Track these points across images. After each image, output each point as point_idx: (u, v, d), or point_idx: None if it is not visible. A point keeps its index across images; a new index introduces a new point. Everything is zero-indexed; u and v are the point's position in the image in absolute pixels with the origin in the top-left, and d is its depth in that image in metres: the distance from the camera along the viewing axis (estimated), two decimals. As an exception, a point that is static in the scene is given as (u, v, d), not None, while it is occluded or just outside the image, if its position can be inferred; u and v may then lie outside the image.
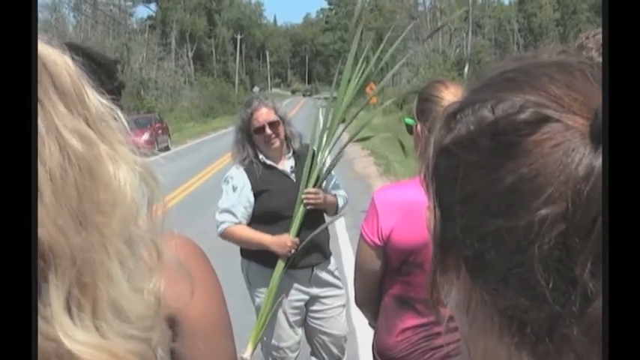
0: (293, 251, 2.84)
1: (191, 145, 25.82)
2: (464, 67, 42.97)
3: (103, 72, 1.27)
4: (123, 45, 46.43)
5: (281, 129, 2.95)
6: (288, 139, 3.02)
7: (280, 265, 2.87)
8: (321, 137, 2.93)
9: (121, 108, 0.62)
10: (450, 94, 1.82)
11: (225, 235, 2.90)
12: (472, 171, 0.42)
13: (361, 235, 1.88)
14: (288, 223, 2.85)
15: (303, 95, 75.70)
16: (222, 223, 2.89)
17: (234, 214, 2.87)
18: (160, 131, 22.62)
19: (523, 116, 0.41)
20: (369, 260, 1.87)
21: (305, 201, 2.88)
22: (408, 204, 1.80)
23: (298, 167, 3.02)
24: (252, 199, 2.89)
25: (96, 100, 0.58)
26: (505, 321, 0.42)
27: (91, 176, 0.53)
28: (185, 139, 28.02)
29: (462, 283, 0.45)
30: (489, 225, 0.41)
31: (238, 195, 2.88)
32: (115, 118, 0.59)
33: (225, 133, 30.22)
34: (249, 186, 2.89)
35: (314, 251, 2.95)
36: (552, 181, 0.39)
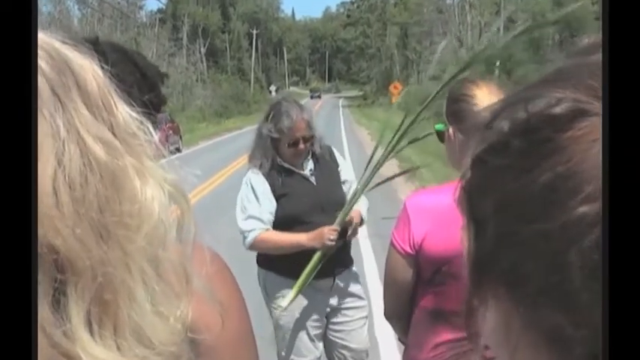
0: (335, 242, 2.81)
1: (204, 146, 26.03)
2: (494, 64, 42.83)
3: (146, 84, 1.27)
4: (131, 40, 46.79)
5: (311, 142, 2.99)
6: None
7: (318, 254, 2.84)
8: (366, 179, 2.88)
9: (156, 124, 0.63)
10: (483, 93, 1.81)
11: (256, 243, 2.87)
12: (505, 176, 0.42)
13: (391, 242, 1.89)
14: (309, 228, 2.86)
15: (311, 97, 73.86)
16: (250, 231, 2.86)
17: (261, 220, 2.87)
18: (170, 132, 22.76)
19: (558, 110, 0.40)
20: (400, 269, 1.87)
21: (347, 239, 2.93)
22: (441, 211, 1.79)
23: (318, 169, 3.04)
24: (275, 204, 2.91)
25: (125, 111, 0.58)
26: (549, 343, 0.41)
27: (114, 187, 0.53)
28: (197, 141, 28.26)
29: (499, 303, 0.44)
30: (525, 231, 0.41)
31: (262, 200, 2.89)
32: (146, 133, 0.60)
33: (240, 135, 30.43)
34: (269, 191, 2.91)
35: (335, 260, 2.95)
36: (590, 178, 0.38)
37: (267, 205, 2.89)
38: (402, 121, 2.59)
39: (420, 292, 1.89)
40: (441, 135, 1.96)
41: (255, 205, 2.89)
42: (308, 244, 2.81)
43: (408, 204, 1.86)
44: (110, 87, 0.58)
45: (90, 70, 0.56)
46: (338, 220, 2.84)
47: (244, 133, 30.42)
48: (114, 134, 0.55)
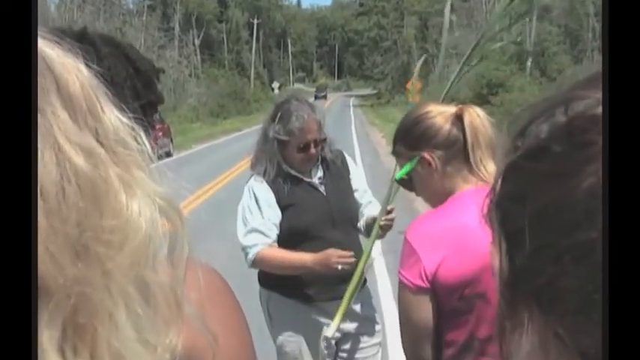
0: (346, 266, 2.76)
1: (197, 150, 26.11)
2: (526, 59, 42.74)
3: (141, 80, 1.29)
4: (116, 30, 46.82)
5: (322, 145, 3.03)
6: None
7: (359, 269, 2.83)
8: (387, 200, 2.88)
9: (150, 128, 0.65)
10: (435, 108, 1.96)
11: (259, 261, 2.86)
12: (544, 183, 0.43)
13: (400, 282, 1.87)
14: (319, 244, 2.86)
15: (315, 98, 72.11)
16: (252, 246, 2.85)
17: (265, 234, 2.87)
18: (160, 134, 22.77)
19: (600, 111, 0.41)
20: (416, 308, 1.84)
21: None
22: (451, 233, 1.80)
23: (328, 177, 3.06)
24: (280, 215, 2.93)
25: (113, 115, 0.59)
26: None
27: (95, 200, 0.53)
28: (190, 144, 28.36)
29: (535, 324, 0.45)
30: (565, 242, 0.41)
31: (266, 212, 2.90)
32: (137, 141, 0.60)
33: (239, 137, 30.56)
34: (275, 201, 2.93)
35: (346, 280, 2.97)
36: None
37: (271, 217, 2.90)
38: None
39: (445, 326, 1.86)
40: (405, 181, 2.02)
41: (258, 217, 2.89)
42: (313, 267, 2.80)
43: (411, 236, 1.86)
44: (98, 88, 0.58)
45: (73, 69, 0.56)
46: (367, 251, 2.85)
47: (243, 136, 30.61)
48: (99, 142, 0.55)
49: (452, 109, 1.95)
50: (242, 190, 3.01)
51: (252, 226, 2.89)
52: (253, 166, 3.04)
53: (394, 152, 2.07)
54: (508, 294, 0.46)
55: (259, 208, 2.90)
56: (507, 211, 0.46)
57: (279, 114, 2.94)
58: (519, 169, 0.45)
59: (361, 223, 3.14)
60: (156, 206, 0.58)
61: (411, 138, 1.98)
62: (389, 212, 2.86)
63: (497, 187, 0.48)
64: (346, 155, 3.25)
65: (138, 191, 0.57)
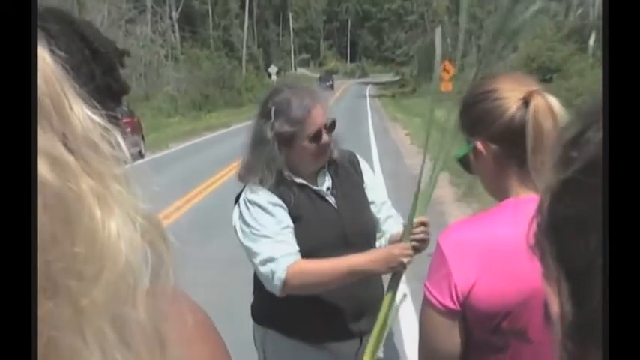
0: (407, 264, 2.78)
1: (176, 151, 26.21)
2: (588, 36, 42.49)
3: (100, 65, 1.29)
4: (72, 0, 46.91)
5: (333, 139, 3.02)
6: None
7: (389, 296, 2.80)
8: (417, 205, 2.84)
9: (118, 124, 0.65)
10: (507, 86, 1.89)
11: (293, 277, 2.78)
12: None
13: (425, 298, 1.88)
14: None
15: (319, 79, 69.11)
16: (279, 260, 2.80)
17: (288, 242, 2.85)
18: (128, 130, 22.84)
19: None
20: (441, 334, 1.86)
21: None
22: (490, 247, 1.81)
23: (338, 185, 3.07)
24: (292, 224, 2.93)
25: (84, 115, 0.58)
26: None
27: (64, 221, 0.52)
28: (167, 142, 28.48)
29: None
30: None
31: (279, 215, 2.90)
32: (112, 145, 0.61)
33: (227, 135, 30.62)
34: (283, 204, 2.93)
35: (363, 314, 2.96)
36: None
37: (287, 221, 2.90)
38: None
39: None
40: (466, 162, 2.02)
41: (272, 223, 2.87)
42: (370, 267, 2.78)
43: (444, 243, 1.87)
44: (65, 81, 0.58)
45: (38, 59, 0.55)
46: (404, 236, 2.80)
47: (232, 133, 30.53)
48: (67, 148, 0.55)
49: (527, 88, 1.88)
50: (231, 201, 3.01)
51: (267, 236, 2.85)
52: (244, 175, 3.01)
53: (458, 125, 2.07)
54: (574, 346, 0.46)
55: (268, 212, 2.89)
56: (565, 243, 0.45)
57: (272, 108, 2.93)
58: (577, 188, 0.44)
59: (382, 244, 3.14)
60: (137, 227, 0.58)
61: (466, 119, 1.98)
62: (422, 225, 2.77)
63: (546, 209, 0.47)
64: (360, 158, 3.25)
65: (115, 208, 0.56)
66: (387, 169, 15.56)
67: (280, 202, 2.91)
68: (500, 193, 1.96)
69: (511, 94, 1.87)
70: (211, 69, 57.69)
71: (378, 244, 3.15)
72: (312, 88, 3.07)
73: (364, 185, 3.17)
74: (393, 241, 3.04)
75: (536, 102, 1.84)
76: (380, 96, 66.97)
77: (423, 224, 2.76)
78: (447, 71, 34.98)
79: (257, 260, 2.82)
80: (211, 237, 9.59)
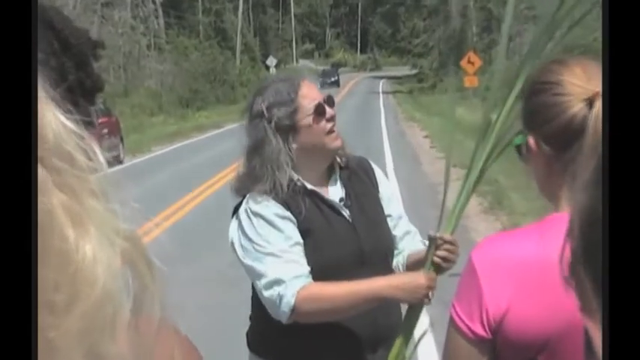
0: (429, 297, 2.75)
1: (159, 155, 26.31)
2: None
3: (71, 58, 1.28)
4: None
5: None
6: None
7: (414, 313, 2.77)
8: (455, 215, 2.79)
9: (91, 124, 0.64)
10: (575, 77, 1.82)
11: (304, 302, 2.76)
12: None
13: (452, 321, 1.89)
14: None
15: (321, 86, 66.55)
16: (287, 283, 2.77)
17: (298, 262, 2.84)
18: (105, 131, 22.79)
19: None
20: None
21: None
22: (529, 267, 1.80)
23: (352, 196, 3.06)
24: (301, 240, 2.91)
25: (57, 120, 0.57)
26: None
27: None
28: (149, 145, 28.57)
29: None
30: None
31: (287, 230, 2.89)
32: (88, 154, 0.60)
33: (218, 136, 30.55)
34: (291, 215, 2.93)
35: (380, 344, 2.96)
36: None
37: (296, 237, 2.89)
38: (496, 119, 2.53)
39: None
40: (519, 150, 2.00)
41: (279, 239, 2.86)
42: (391, 294, 2.78)
43: (478, 260, 1.88)
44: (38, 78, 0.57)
45: None
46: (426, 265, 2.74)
47: (225, 134, 30.36)
48: (37, 159, 0.54)
49: (595, 87, 1.79)
50: (223, 213, 3.01)
51: (274, 255, 2.83)
52: (243, 187, 3.00)
53: None
54: None
55: (275, 226, 2.88)
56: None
57: (263, 104, 2.95)
58: None
59: (399, 263, 3.14)
60: (116, 249, 0.58)
61: (523, 108, 1.96)
62: (447, 243, 2.72)
63: (578, 233, 0.47)
64: (373, 165, 3.26)
65: (91, 228, 0.56)
66: (403, 177, 15.57)
67: (289, 214, 2.90)
68: (549, 200, 1.95)
69: (576, 90, 1.80)
70: (200, 61, 57.65)
71: (394, 262, 3.15)
72: (294, 69, 3.12)
73: (379, 196, 3.17)
74: (411, 262, 3.05)
75: (600, 103, 1.79)
76: (395, 92, 67.01)
77: (450, 243, 2.71)
78: (472, 63, 34.98)
79: (262, 282, 2.80)
80: (200, 255, 9.68)
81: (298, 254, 2.85)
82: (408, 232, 3.21)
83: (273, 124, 2.92)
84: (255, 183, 2.95)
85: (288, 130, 2.92)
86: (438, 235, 2.68)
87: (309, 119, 2.93)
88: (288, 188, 2.91)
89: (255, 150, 2.96)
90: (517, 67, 2.33)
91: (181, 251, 9.52)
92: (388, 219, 3.16)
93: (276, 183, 2.90)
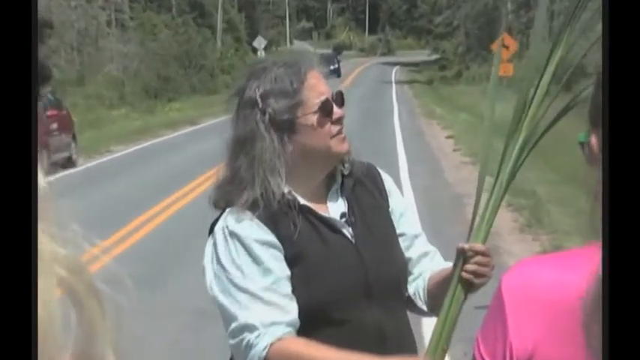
0: None
1: (121, 156, 26.36)
2: None
3: None
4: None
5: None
6: None
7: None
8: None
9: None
10: None
11: (277, 356, 2.78)
12: None
13: (474, 358, 1.92)
14: (343, 333, 2.88)
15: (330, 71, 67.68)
16: (263, 330, 2.78)
17: (281, 307, 2.83)
18: (53, 126, 22.71)
19: None
20: None
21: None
22: (566, 302, 1.81)
23: (356, 211, 3.04)
24: (289, 272, 2.88)
25: None
26: None
27: None
28: (109, 145, 28.59)
29: None
30: None
31: (270, 262, 2.87)
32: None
33: (194, 134, 30.53)
34: (278, 243, 2.93)
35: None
36: None
37: (281, 270, 2.88)
38: (527, 109, 2.56)
39: None
40: (583, 147, 2.00)
41: (260, 272, 2.86)
42: None
43: (507, 288, 1.90)
44: None
45: None
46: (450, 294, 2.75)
47: (202, 132, 30.26)
48: None
49: None
50: (199, 228, 3.00)
51: (250, 293, 2.82)
52: (223, 198, 3.00)
53: None
54: None
55: (255, 255, 2.86)
56: None
57: (258, 90, 2.93)
58: None
59: (418, 289, 3.12)
60: (52, 280, 0.58)
61: (592, 102, 1.96)
62: (479, 254, 2.73)
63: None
64: (382, 173, 3.25)
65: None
66: (421, 187, 15.61)
67: (273, 238, 2.88)
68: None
69: None
70: (172, 41, 57.60)
71: (412, 289, 3.13)
72: (299, 51, 3.10)
73: (390, 210, 3.16)
74: (434, 284, 3.00)
75: None
76: (411, 82, 66.91)
77: (482, 254, 2.74)
78: (507, 47, 34.79)
79: (231, 325, 2.81)
80: (168, 280, 9.77)
81: (281, 294, 2.82)
82: (425, 254, 3.17)
83: (267, 116, 2.88)
84: (239, 190, 2.92)
85: (286, 126, 2.90)
86: (467, 245, 2.70)
87: (314, 118, 2.91)
88: (273, 205, 2.89)
89: (243, 147, 2.93)
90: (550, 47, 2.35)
91: (145, 276, 9.52)
92: (401, 239, 3.15)
93: (267, 191, 2.88)
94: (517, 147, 2.58)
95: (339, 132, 2.94)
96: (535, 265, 1.99)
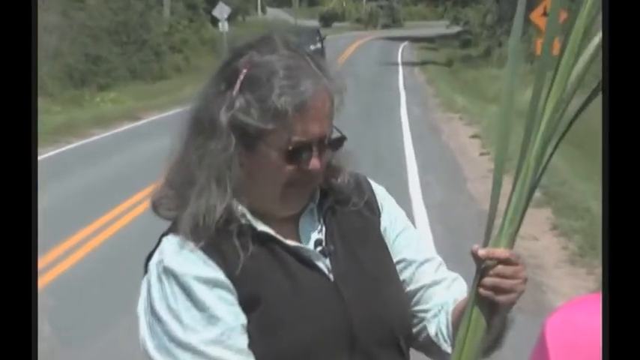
0: None
1: (39, 161, 26.15)
2: None
3: None
4: None
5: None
6: None
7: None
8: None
9: None
10: None
11: None
12: None
13: None
14: None
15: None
16: None
17: (231, 349, 2.83)
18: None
19: None
20: None
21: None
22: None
23: (336, 237, 3.06)
24: (243, 318, 2.91)
25: None
26: None
27: None
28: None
29: None
30: None
31: (217, 309, 2.86)
32: None
33: (136, 132, 30.62)
34: (227, 287, 2.93)
35: None
36: None
37: (231, 318, 2.86)
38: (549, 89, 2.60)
39: None
40: None
41: (202, 321, 2.84)
42: None
43: (552, 334, 1.96)
44: None
45: None
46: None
47: (144, 131, 30.34)
48: None
49: None
50: (141, 255, 3.00)
51: (191, 348, 2.82)
52: (165, 206, 3.00)
53: None
54: None
55: (197, 303, 2.85)
56: None
57: (242, 72, 2.90)
58: None
59: (440, 330, 3.07)
60: None
61: None
62: (501, 263, 2.65)
63: None
64: (373, 184, 3.27)
65: None
66: (436, 202, 15.58)
67: (222, 276, 2.87)
68: None
69: None
70: (105, 10, 57.73)
71: (432, 330, 3.13)
72: (319, 54, 3.03)
73: (382, 230, 3.16)
74: (458, 316, 2.91)
75: None
76: (424, 63, 67.05)
77: (505, 262, 2.66)
78: (556, 17, 34.86)
79: None
80: (106, 321, 9.82)
81: (234, 349, 2.82)
82: (437, 282, 3.17)
83: (232, 113, 2.86)
84: (179, 201, 2.94)
85: (245, 139, 2.87)
86: (483, 251, 2.64)
87: (277, 153, 2.86)
88: (225, 231, 2.88)
89: (194, 138, 2.94)
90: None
91: (71, 316, 9.59)
92: (401, 266, 3.15)
93: (206, 216, 2.87)
94: (545, 119, 2.59)
95: (307, 184, 2.94)
96: (586, 308, 2.02)
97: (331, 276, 2.99)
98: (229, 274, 2.86)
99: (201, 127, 2.91)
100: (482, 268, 2.63)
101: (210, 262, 2.86)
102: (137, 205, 15.17)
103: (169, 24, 66.39)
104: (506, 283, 2.64)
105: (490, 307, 2.62)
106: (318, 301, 2.94)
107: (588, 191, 14.65)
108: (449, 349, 3.02)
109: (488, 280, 2.63)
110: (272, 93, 2.80)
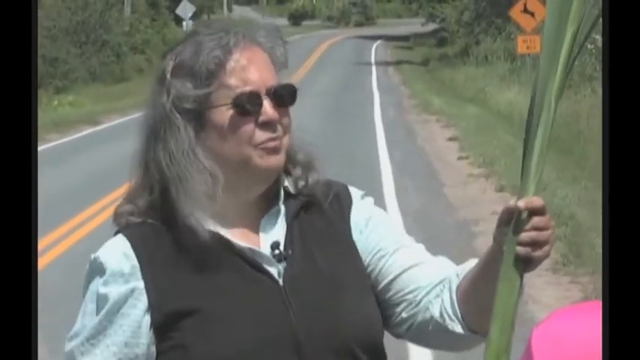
0: None
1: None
2: None
3: None
4: None
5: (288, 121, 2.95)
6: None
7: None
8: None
9: None
10: None
11: None
12: None
13: None
14: None
15: None
16: None
17: None
18: None
19: None
20: None
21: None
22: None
23: (297, 240, 3.05)
24: (145, 336, 2.92)
25: None
26: None
27: None
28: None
29: None
30: None
31: (108, 322, 2.86)
32: None
33: (97, 137, 30.53)
34: (143, 298, 2.92)
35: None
36: None
37: (115, 338, 2.86)
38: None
39: None
40: None
41: (93, 321, 2.87)
42: None
43: (537, 346, 1.98)
44: None
45: None
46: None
47: (106, 134, 30.22)
48: None
49: None
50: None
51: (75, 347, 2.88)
52: (123, 205, 3.00)
53: None
54: None
55: (100, 310, 2.87)
56: None
57: (171, 61, 2.93)
58: None
59: (444, 309, 3.02)
60: None
61: None
62: (536, 214, 2.65)
63: None
64: (353, 191, 3.22)
65: None
66: (412, 209, 15.61)
67: (142, 298, 2.86)
68: None
69: None
70: (62, 8, 57.65)
71: (436, 310, 3.09)
72: (245, 21, 3.04)
73: (358, 232, 3.15)
74: (465, 290, 2.95)
75: None
76: (398, 63, 67.09)
77: (540, 212, 2.68)
78: (531, 14, 34.86)
79: None
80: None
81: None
82: (418, 264, 3.11)
83: (170, 98, 2.88)
84: (132, 193, 2.97)
85: (192, 118, 2.89)
86: (521, 203, 2.62)
87: (225, 115, 2.88)
88: (163, 222, 2.90)
89: (146, 135, 2.97)
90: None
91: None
92: (377, 257, 3.12)
93: (142, 206, 2.92)
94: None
95: (269, 140, 2.90)
96: (570, 318, 2.03)
97: (280, 280, 2.96)
98: (154, 281, 2.88)
99: (155, 130, 2.93)
100: (515, 225, 2.61)
101: (131, 251, 2.90)
102: (97, 214, 15.13)
103: (130, 23, 66.38)
104: (543, 234, 2.66)
105: (524, 266, 2.63)
106: (261, 307, 2.93)
107: (572, 196, 14.69)
108: (457, 328, 3.00)
109: (525, 236, 2.62)
110: (199, 59, 2.85)
